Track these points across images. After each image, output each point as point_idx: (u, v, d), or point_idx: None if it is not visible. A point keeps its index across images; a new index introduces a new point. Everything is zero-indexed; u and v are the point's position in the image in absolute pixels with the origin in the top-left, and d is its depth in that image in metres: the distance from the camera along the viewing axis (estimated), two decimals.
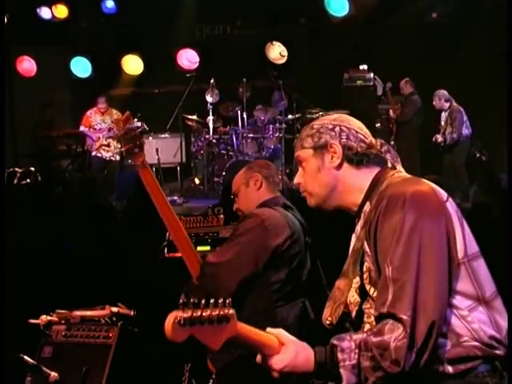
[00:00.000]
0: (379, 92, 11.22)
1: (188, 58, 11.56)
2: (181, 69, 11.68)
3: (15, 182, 8.68)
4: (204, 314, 1.75)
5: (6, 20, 9.28)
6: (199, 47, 11.92)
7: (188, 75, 11.21)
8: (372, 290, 2.08)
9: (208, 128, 11.00)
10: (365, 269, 2.11)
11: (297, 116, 10.97)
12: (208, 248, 3.55)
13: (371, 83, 11.08)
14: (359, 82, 10.69)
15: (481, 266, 2.07)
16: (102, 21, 11.47)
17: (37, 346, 3.66)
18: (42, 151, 11.16)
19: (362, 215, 2.18)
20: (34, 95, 11.58)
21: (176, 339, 1.75)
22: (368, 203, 2.17)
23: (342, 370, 1.93)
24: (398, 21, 10.53)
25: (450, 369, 1.99)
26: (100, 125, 10.89)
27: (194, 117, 11.08)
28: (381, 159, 2.23)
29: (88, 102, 12.14)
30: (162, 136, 11.72)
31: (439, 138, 10.08)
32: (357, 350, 1.93)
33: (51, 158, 11.48)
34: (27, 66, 11.75)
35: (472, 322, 2.00)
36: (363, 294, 2.11)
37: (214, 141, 11.00)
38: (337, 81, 11.46)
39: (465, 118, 10.06)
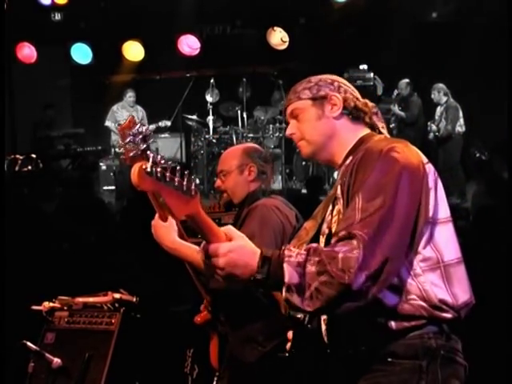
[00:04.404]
0: (379, 92, 11.25)
1: (189, 44, 11.52)
2: (181, 55, 11.65)
3: (16, 168, 8.66)
4: (171, 176, 1.74)
5: (5, 6, 9.13)
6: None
7: (188, 75, 11.22)
8: None
9: (208, 128, 11.04)
10: (335, 212, 2.11)
11: None
12: None
13: (371, 83, 11.09)
14: (359, 82, 10.66)
15: (446, 231, 2.05)
16: (102, 6, 11.34)
17: (39, 333, 3.68)
18: (41, 151, 11.12)
19: (343, 167, 2.18)
20: (34, 82, 11.50)
21: (141, 186, 1.70)
22: (351, 157, 2.17)
23: (285, 265, 1.87)
24: (398, 21, 10.54)
25: (392, 324, 1.99)
26: None
27: (194, 117, 11.11)
28: (371, 120, 2.28)
29: (88, 88, 12.12)
30: (162, 136, 11.74)
31: (433, 126, 10.17)
32: (304, 252, 1.89)
33: (51, 158, 11.45)
34: (27, 52, 11.64)
35: (424, 282, 1.99)
36: (329, 240, 2.06)
37: (214, 141, 11.02)
38: None
39: (460, 114, 10.13)
